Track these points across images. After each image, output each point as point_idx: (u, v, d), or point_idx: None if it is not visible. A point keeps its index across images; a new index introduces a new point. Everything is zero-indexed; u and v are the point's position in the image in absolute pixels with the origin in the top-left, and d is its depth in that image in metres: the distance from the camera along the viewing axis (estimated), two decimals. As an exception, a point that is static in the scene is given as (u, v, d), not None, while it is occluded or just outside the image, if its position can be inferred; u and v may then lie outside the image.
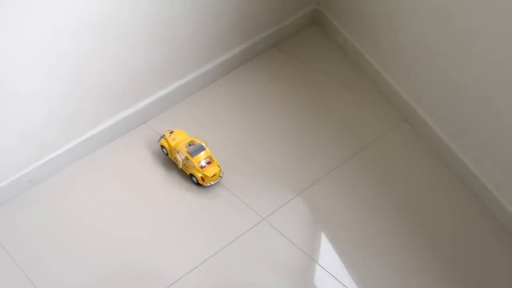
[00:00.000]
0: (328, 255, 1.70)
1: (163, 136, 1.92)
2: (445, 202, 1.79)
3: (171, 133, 1.92)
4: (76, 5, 1.70)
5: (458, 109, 1.74)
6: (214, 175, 1.84)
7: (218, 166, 1.86)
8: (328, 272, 1.66)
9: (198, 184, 1.86)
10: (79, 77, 1.83)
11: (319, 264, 1.68)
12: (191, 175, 1.87)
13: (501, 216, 1.73)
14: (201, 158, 1.85)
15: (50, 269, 1.70)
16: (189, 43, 2.03)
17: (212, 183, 1.85)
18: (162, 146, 1.93)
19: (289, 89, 2.10)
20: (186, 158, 1.85)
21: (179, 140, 1.89)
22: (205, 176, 1.83)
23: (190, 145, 1.88)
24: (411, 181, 1.84)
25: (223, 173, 1.87)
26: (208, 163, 1.85)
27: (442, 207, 1.78)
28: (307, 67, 2.17)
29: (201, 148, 1.87)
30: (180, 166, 1.88)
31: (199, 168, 1.83)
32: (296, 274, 1.67)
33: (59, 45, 1.73)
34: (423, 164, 1.87)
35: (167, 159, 1.93)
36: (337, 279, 1.65)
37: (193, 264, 1.68)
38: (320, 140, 1.95)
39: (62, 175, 1.92)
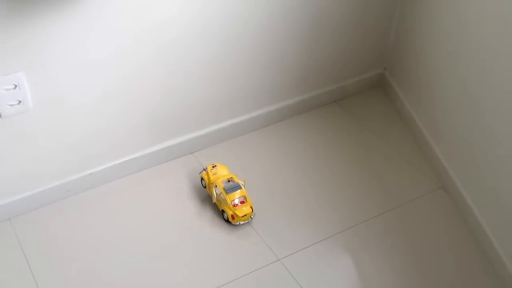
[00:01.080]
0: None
1: (205, 169, 1.90)
2: (464, 277, 1.68)
3: (213, 167, 1.89)
4: (143, 31, 1.74)
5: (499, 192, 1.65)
6: (245, 215, 1.79)
7: (251, 207, 1.81)
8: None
9: (227, 221, 1.81)
10: (134, 101, 1.85)
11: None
12: (223, 211, 1.84)
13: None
14: (235, 197, 1.81)
15: (61, 280, 1.68)
16: (249, 85, 2.04)
17: (242, 222, 1.81)
18: (202, 179, 1.91)
19: (339, 144, 2.08)
20: (221, 194, 1.80)
21: (219, 175, 1.86)
22: (236, 215, 1.79)
23: (228, 181, 1.86)
24: (434, 248, 1.76)
25: (254, 214, 1.83)
26: (242, 202, 1.81)
27: (460, 279, 1.68)
28: (362, 126, 2.16)
29: (238, 187, 1.84)
30: (214, 200, 1.85)
31: (231, 206, 1.80)
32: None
33: (120, 68, 1.76)
34: (450, 234, 1.80)
35: (205, 192, 1.91)
36: None
37: None
38: (354, 193, 1.91)
39: (98, 191, 1.91)
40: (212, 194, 1.86)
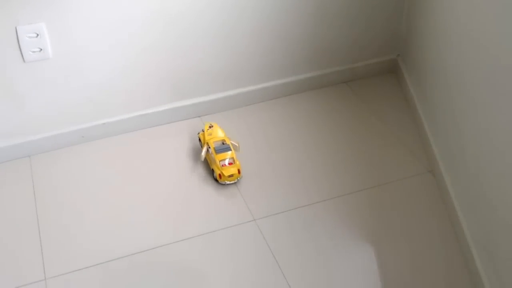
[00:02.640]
0: (299, 275, 1.62)
1: (203, 130, 1.94)
2: (439, 271, 1.64)
3: (210, 127, 1.93)
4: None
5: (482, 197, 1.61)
6: (232, 175, 1.83)
7: (239, 169, 1.84)
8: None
9: (216, 180, 1.85)
10: (148, 62, 1.91)
11: (287, 282, 1.60)
12: (212, 170, 1.87)
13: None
14: (224, 157, 1.85)
15: (60, 211, 1.78)
16: (257, 57, 2.06)
17: (228, 182, 1.84)
18: (200, 139, 1.95)
19: (341, 122, 2.08)
20: (212, 153, 1.87)
21: (213, 136, 1.90)
22: (223, 174, 1.82)
23: (222, 143, 1.91)
24: (409, 228, 1.73)
25: (241, 176, 1.86)
26: (230, 163, 1.84)
27: (435, 273, 1.64)
28: (367, 109, 2.15)
29: (227, 148, 1.87)
30: (201, 158, 1.90)
31: (219, 166, 1.84)
32: (259, 281, 1.61)
33: (137, 30, 1.84)
34: (428, 215, 1.76)
35: (200, 150, 1.95)
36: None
37: (168, 240, 1.69)
38: (344, 168, 1.90)
39: (109, 140, 2.00)
40: (201, 152, 1.91)
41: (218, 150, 1.89)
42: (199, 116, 2.11)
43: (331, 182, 1.89)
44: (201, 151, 1.95)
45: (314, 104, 2.17)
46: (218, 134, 1.92)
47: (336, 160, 1.97)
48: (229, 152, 1.89)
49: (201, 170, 1.93)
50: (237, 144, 1.89)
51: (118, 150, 1.97)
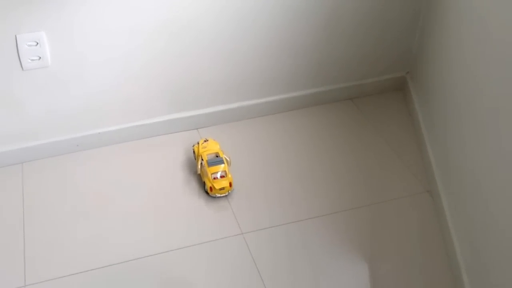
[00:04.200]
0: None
1: (197, 143, 1.95)
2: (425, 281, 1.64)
3: (205, 141, 1.94)
4: (161, 8, 1.84)
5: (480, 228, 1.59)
6: (223, 188, 1.84)
7: (230, 182, 1.85)
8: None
9: (207, 193, 1.87)
10: (148, 73, 1.92)
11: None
12: (204, 183, 1.88)
13: None
14: (216, 170, 1.86)
15: (48, 217, 1.78)
16: (261, 71, 2.06)
17: (219, 195, 1.86)
18: (194, 151, 1.96)
19: (341, 139, 2.08)
20: (204, 166, 1.89)
21: (208, 149, 1.91)
22: (214, 187, 1.84)
23: (216, 156, 1.91)
24: (402, 248, 1.72)
25: (233, 189, 1.88)
26: (222, 176, 1.86)
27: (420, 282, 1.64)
28: (371, 126, 2.14)
29: (220, 161, 1.88)
30: (198, 171, 1.92)
31: (211, 178, 1.85)
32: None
33: (138, 41, 1.86)
34: (422, 236, 1.75)
35: (194, 163, 1.97)
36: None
37: (154, 250, 1.70)
38: (339, 185, 1.90)
39: (104, 150, 2.02)
40: (196, 165, 1.94)
41: (211, 163, 1.89)
42: (196, 129, 2.12)
43: (325, 199, 1.87)
44: (195, 164, 1.97)
45: (316, 120, 2.16)
46: (213, 147, 1.93)
47: (332, 177, 1.95)
48: (222, 165, 1.89)
49: (194, 183, 1.93)
50: (228, 159, 1.90)
51: (112, 160, 1.98)
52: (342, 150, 2.03)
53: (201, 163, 1.88)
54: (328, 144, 2.05)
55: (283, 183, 1.91)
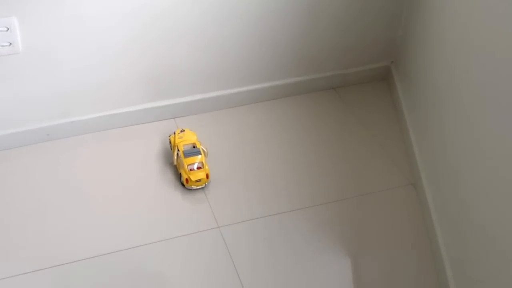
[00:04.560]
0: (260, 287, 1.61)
1: (173, 133, 1.93)
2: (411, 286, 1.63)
3: (181, 131, 1.92)
4: None
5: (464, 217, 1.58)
6: (200, 180, 1.82)
7: (207, 174, 1.83)
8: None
9: (183, 184, 1.84)
10: (124, 60, 1.90)
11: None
12: (180, 174, 1.85)
13: None
14: (192, 161, 1.83)
15: (15, 223, 1.75)
16: (241, 59, 2.04)
17: (195, 187, 1.84)
18: (170, 142, 1.93)
19: (324, 129, 2.07)
20: (180, 157, 1.86)
21: (184, 140, 1.89)
22: (190, 179, 1.82)
23: (193, 147, 1.89)
24: (384, 242, 1.72)
25: (209, 181, 1.86)
26: (198, 168, 1.84)
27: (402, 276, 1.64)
28: (354, 116, 2.13)
29: (197, 152, 1.86)
30: (174, 162, 1.90)
31: (187, 170, 1.82)
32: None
33: (113, 29, 1.84)
34: (405, 230, 1.75)
35: (170, 154, 1.94)
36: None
37: (128, 244, 1.69)
38: (321, 177, 1.89)
39: (76, 140, 1.99)
40: (172, 156, 1.91)
41: (187, 154, 1.87)
42: (173, 118, 2.10)
43: (307, 191, 1.86)
44: (171, 155, 1.95)
45: (298, 109, 2.14)
46: (190, 138, 1.90)
47: (314, 168, 1.95)
48: (199, 156, 1.87)
49: (169, 175, 1.91)
50: (206, 150, 1.88)
51: (85, 150, 1.96)
52: (324, 141, 2.02)
53: (177, 154, 1.86)
54: (311, 134, 2.05)
55: (263, 175, 1.90)
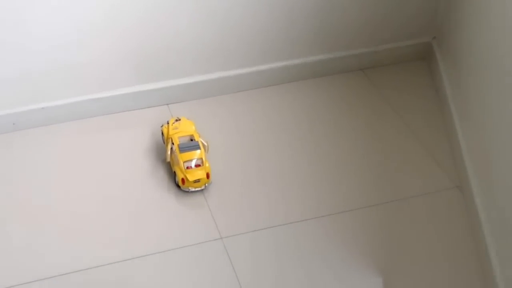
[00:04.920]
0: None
1: (167, 122, 1.90)
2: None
3: (176, 120, 1.88)
4: None
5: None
6: (199, 180, 1.78)
7: (208, 173, 1.79)
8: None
9: (178, 186, 1.80)
10: (108, 33, 1.90)
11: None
12: (175, 173, 1.81)
13: None
14: (189, 157, 1.79)
15: None
16: (250, 34, 2.03)
17: (193, 189, 1.80)
18: (163, 133, 1.90)
19: (350, 118, 2.05)
20: (174, 152, 1.81)
21: (180, 131, 1.85)
22: (186, 179, 1.77)
23: (191, 140, 1.84)
24: (428, 252, 1.70)
25: (211, 182, 1.82)
26: (197, 165, 1.79)
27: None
28: (387, 103, 2.12)
29: (196, 147, 1.81)
30: (167, 159, 1.85)
31: (183, 168, 1.78)
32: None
33: None
34: (451, 239, 1.74)
35: (163, 148, 1.91)
36: None
37: (115, 257, 1.66)
38: (347, 176, 1.87)
39: (49, 129, 1.96)
40: (166, 151, 1.86)
41: (183, 148, 1.81)
42: (166, 104, 2.06)
43: (327, 194, 1.83)
44: (164, 149, 1.90)
45: (318, 94, 2.11)
46: (186, 128, 1.86)
47: (338, 166, 1.91)
48: (198, 151, 1.81)
49: (162, 173, 1.87)
50: (206, 144, 1.84)
51: (58, 142, 1.92)
52: (349, 133, 1.99)
53: (172, 148, 1.81)
54: (333, 125, 2.01)
55: (275, 174, 1.87)
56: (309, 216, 1.77)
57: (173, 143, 1.83)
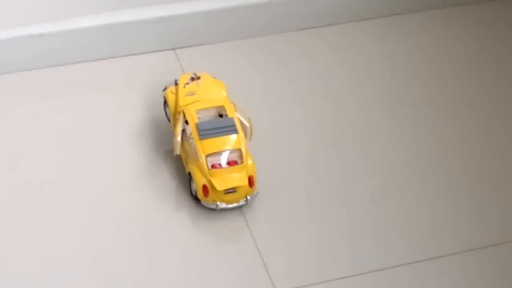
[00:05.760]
0: None
1: (176, 82, 1.62)
2: None
3: (192, 79, 1.63)
4: None
5: None
6: (235, 190, 1.52)
7: (251, 177, 1.55)
8: None
9: (196, 198, 1.55)
10: None
11: None
12: (190, 176, 1.56)
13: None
14: (217, 148, 1.55)
15: None
16: None
17: (224, 205, 1.54)
18: (166, 102, 1.67)
19: (487, 80, 1.90)
20: (190, 137, 1.57)
21: (200, 99, 1.61)
22: (211, 187, 1.52)
23: (220, 115, 1.60)
24: None
25: (257, 193, 1.56)
26: (232, 163, 1.54)
27: None
28: None
29: (230, 129, 1.58)
30: (176, 150, 1.59)
31: (206, 168, 1.51)
32: None
33: None
34: None
35: (169, 130, 1.68)
36: None
37: None
38: (478, 188, 1.69)
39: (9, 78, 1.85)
40: (174, 137, 1.57)
41: (205, 132, 1.56)
42: (173, 49, 1.89)
43: (444, 220, 1.64)
44: (170, 132, 1.67)
45: (439, 33, 1.96)
46: (210, 93, 1.63)
47: (462, 167, 1.70)
48: (232, 137, 1.56)
49: (166, 176, 1.66)
50: (248, 125, 1.60)
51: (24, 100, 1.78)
52: (483, 106, 1.80)
53: (185, 131, 1.56)
54: (461, 88, 1.83)
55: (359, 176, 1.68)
56: (414, 257, 1.67)
57: (187, 122, 1.57)
